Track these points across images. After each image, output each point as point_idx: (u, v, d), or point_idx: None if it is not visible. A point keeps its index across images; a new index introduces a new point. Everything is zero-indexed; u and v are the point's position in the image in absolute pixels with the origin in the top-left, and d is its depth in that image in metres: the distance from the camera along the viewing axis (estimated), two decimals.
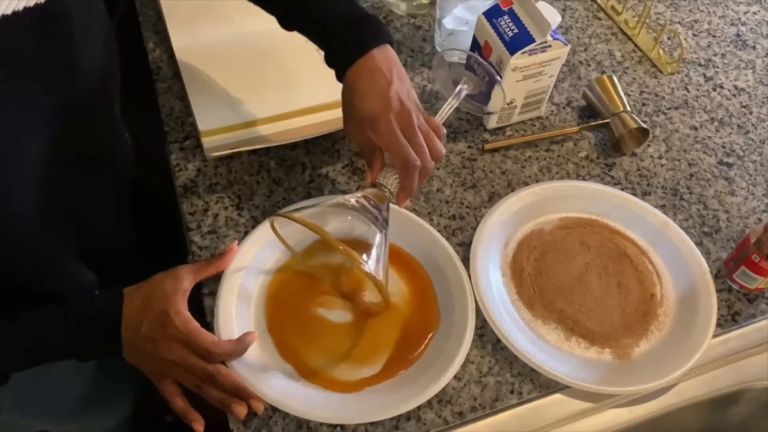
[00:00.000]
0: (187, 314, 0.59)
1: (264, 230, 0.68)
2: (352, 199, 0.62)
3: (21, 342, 0.58)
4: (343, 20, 0.65)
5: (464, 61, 0.77)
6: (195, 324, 0.59)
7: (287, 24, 0.69)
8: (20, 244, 0.54)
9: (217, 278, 0.66)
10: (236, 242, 0.66)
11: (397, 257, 0.70)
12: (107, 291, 0.61)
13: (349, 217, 0.62)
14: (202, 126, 0.76)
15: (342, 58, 0.64)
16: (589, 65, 0.91)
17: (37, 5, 0.47)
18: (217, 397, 0.59)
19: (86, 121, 0.57)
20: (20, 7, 0.45)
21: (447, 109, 0.70)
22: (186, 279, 0.61)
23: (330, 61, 0.66)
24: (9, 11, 0.45)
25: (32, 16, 0.46)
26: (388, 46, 0.65)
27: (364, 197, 0.62)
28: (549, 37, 0.73)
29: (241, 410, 0.58)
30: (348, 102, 0.64)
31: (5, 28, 0.45)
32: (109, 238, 0.69)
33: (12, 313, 0.57)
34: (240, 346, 0.60)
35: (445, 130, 0.66)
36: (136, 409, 0.96)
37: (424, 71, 0.88)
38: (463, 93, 0.72)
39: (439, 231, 0.71)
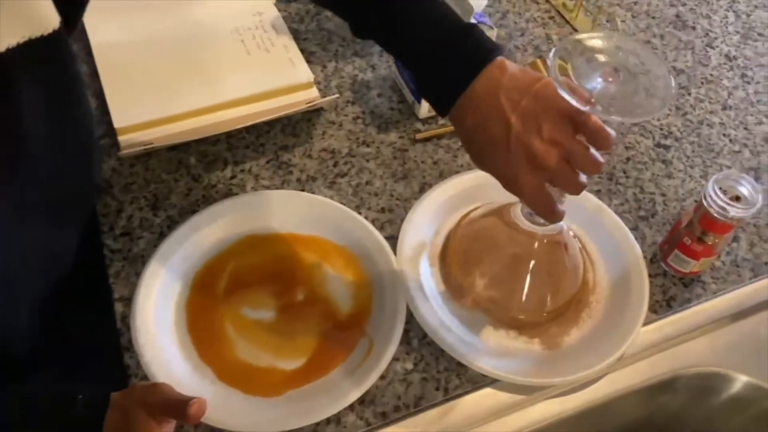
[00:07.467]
0: None
1: (186, 228, 0.65)
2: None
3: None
4: (431, 42, 0.52)
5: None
6: None
7: (361, 33, 0.58)
8: None
9: (130, 280, 0.63)
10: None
11: (334, 254, 0.67)
12: (92, 394, 0.54)
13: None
14: (117, 123, 0.73)
15: (437, 99, 0.54)
16: (525, 50, 0.89)
17: None
18: None
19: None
20: None
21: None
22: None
23: (424, 95, 0.56)
24: None
25: None
26: (492, 68, 0.51)
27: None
28: (473, 21, 0.70)
29: None
30: (468, 150, 0.55)
31: None
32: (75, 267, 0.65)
33: None
34: None
35: (611, 132, 0.50)
36: None
37: (356, 60, 0.85)
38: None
39: None
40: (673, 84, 0.49)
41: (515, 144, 0.49)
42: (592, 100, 0.48)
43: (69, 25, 0.51)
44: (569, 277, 0.66)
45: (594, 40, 0.51)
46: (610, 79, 0.49)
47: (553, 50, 0.49)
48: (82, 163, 0.60)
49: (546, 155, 0.49)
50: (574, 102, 0.48)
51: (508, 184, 0.52)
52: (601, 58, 0.50)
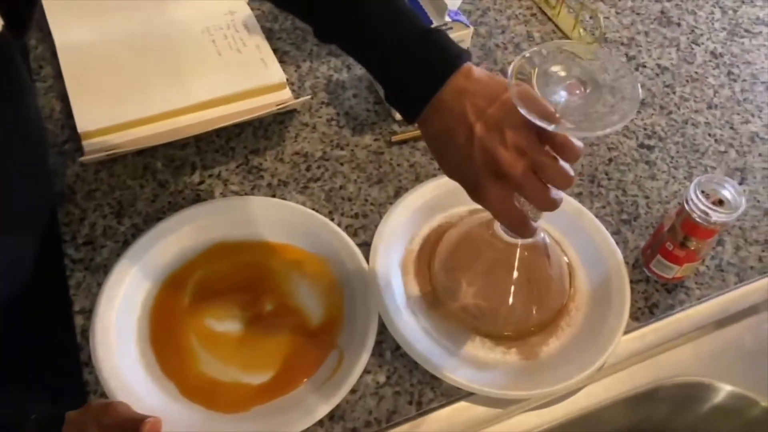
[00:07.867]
0: None
1: (151, 236, 0.63)
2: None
3: None
4: (396, 50, 0.50)
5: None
6: None
7: (325, 37, 0.56)
8: None
9: (92, 291, 0.61)
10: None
11: (305, 262, 0.65)
12: (46, 413, 0.51)
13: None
14: (81, 127, 0.70)
15: (404, 107, 0.52)
16: (506, 48, 0.87)
17: None
18: None
19: None
20: None
21: None
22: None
23: (391, 103, 0.54)
24: None
25: None
26: (458, 75, 0.49)
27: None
28: (448, 19, 0.68)
29: None
30: (435, 156, 0.53)
31: None
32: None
33: None
34: None
35: (578, 143, 0.47)
36: None
37: (331, 60, 0.83)
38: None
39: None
40: (639, 91, 0.46)
41: (479, 151, 0.47)
42: (557, 115, 0.45)
43: (17, 28, 0.48)
44: (555, 288, 0.64)
45: (556, 51, 0.49)
46: (577, 92, 0.46)
47: (511, 66, 0.47)
48: (31, 169, 0.57)
49: (511, 163, 0.46)
50: (537, 122, 0.45)
51: (473, 193, 0.50)
52: (563, 72, 0.47)
